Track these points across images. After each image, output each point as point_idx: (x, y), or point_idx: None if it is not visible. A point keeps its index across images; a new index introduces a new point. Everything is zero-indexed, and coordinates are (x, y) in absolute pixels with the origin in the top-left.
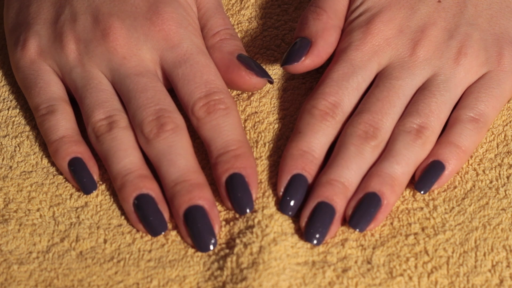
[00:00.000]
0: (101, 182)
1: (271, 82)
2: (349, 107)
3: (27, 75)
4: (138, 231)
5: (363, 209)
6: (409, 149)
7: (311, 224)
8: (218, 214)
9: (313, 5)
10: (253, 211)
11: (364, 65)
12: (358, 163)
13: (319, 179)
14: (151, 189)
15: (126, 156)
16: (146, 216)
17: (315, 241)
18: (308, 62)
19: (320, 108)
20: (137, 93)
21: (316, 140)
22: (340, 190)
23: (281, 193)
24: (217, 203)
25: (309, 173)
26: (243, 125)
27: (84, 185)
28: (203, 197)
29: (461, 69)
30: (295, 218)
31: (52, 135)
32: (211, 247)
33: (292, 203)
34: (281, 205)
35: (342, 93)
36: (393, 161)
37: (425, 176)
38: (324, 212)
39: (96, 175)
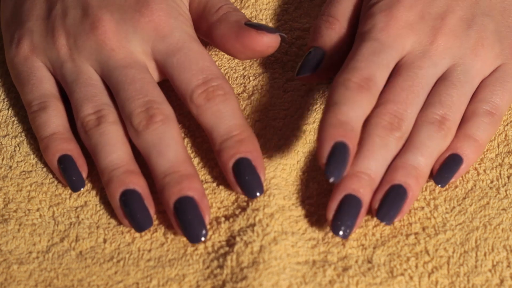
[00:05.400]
0: (100, 182)
1: (284, 37)
2: (381, 82)
3: (21, 72)
4: None
5: (390, 202)
6: (432, 140)
7: (339, 216)
8: (209, 204)
9: (325, 14)
10: (254, 209)
11: (391, 45)
12: (383, 154)
13: None
14: (138, 184)
15: (114, 151)
16: (132, 211)
17: (342, 233)
18: (322, 73)
19: (354, 81)
20: (125, 85)
21: (352, 111)
22: (366, 183)
23: (324, 162)
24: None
25: (351, 142)
26: None
27: (73, 183)
28: (193, 188)
29: (479, 60)
30: (296, 217)
31: (43, 131)
32: (202, 238)
33: (339, 171)
34: (327, 172)
35: (376, 67)
36: (417, 152)
37: (444, 170)
38: (351, 204)
39: (85, 173)
